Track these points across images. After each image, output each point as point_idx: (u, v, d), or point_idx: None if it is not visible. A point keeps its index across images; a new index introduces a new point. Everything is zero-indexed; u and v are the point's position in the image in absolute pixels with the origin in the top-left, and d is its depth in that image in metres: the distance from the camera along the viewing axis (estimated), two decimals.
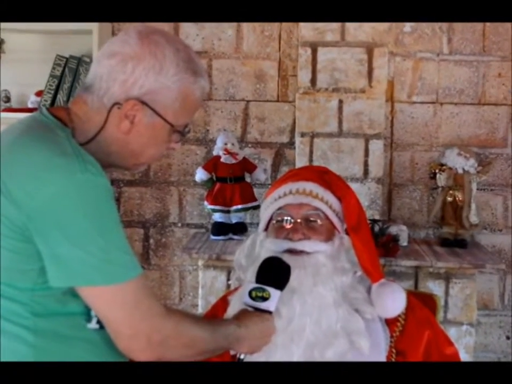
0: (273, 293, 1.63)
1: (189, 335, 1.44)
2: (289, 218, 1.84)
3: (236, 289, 1.93)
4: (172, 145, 1.54)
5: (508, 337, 3.41)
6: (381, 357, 1.78)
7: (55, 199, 1.31)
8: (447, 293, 2.94)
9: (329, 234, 1.85)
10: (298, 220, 1.83)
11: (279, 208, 1.86)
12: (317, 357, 1.71)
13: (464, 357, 2.78)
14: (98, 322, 1.41)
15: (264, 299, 1.63)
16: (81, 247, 1.32)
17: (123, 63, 1.43)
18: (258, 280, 1.66)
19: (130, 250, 1.40)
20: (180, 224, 3.51)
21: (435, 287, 2.93)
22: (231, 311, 1.76)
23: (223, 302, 1.93)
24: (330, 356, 1.71)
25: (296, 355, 1.71)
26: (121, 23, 3.43)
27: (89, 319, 1.42)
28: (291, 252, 1.79)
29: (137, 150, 1.49)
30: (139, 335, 1.37)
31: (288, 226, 1.83)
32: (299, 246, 1.80)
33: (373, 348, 1.75)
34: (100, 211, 1.35)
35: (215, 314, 1.92)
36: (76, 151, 1.38)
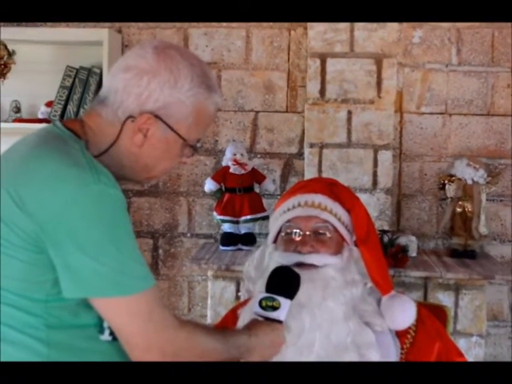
0: (283, 302, 1.64)
1: (201, 346, 1.45)
2: (298, 230, 1.84)
3: (245, 301, 1.93)
4: (184, 159, 1.55)
5: None
6: None
7: (68, 209, 1.32)
8: (456, 304, 2.93)
9: (338, 246, 1.85)
10: (307, 233, 1.83)
11: (288, 221, 1.87)
12: None
13: None
14: (111, 334, 1.42)
15: (274, 308, 1.63)
16: (94, 257, 1.32)
17: (138, 76, 1.44)
18: (268, 289, 1.67)
19: (144, 261, 1.40)
20: (189, 235, 3.51)
21: (444, 298, 2.92)
22: (241, 323, 1.76)
23: (233, 315, 1.93)
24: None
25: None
26: (130, 34, 3.46)
27: (101, 330, 1.42)
28: (300, 265, 1.79)
29: (150, 164, 1.51)
30: (152, 346, 1.37)
31: (297, 238, 1.83)
32: (308, 259, 1.80)
33: (383, 360, 1.75)
34: (113, 222, 1.35)
35: (225, 327, 1.91)
36: (90, 162, 1.38)
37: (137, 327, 1.36)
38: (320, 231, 1.84)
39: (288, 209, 1.88)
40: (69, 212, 1.32)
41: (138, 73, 1.45)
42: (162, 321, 1.39)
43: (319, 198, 1.87)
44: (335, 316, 1.74)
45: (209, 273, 3.04)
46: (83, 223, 1.32)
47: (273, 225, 1.91)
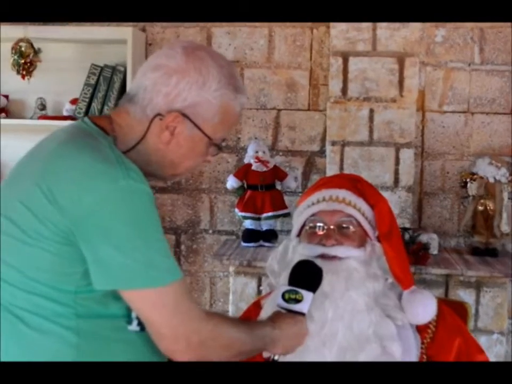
0: (306, 295, 1.66)
1: (227, 337, 1.48)
2: (322, 224, 1.86)
3: (268, 293, 1.95)
4: (208, 157, 1.58)
5: None
6: None
7: (98, 205, 1.35)
8: (477, 301, 2.94)
9: (361, 241, 1.87)
10: (331, 227, 1.85)
11: (312, 215, 1.89)
12: (349, 361, 1.72)
13: None
14: (139, 324, 1.45)
15: (297, 301, 1.66)
16: (124, 251, 1.36)
17: (168, 76, 1.48)
18: (291, 282, 1.69)
19: (171, 255, 1.43)
20: (210, 231, 3.54)
21: (465, 296, 2.93)
22: (264, 314, 1.79)
23: (256, 307, 1.95)
24: (362, 360, 1.72)
25: (329, 359, 1.72)
26: (154, 33, 3.49)
27: (130, 321, 1.46)
28: (323, 257, 1.81)
29: (176, 161, 1.54)
30: (179, 337, 1.40)
31: (321, 232, 1.85)
32: (332, 251, 1.82)
33: (404, 354, 1.77)
34: (142, 216, 1.38)
35: (249, 319, 1.94)
36: (119, 158, 1.42)
37: (164, 317, 1.39)
38: (344, 225, 1.86)
39: (313, 204, 1.90)
40: (100, 208, 1.35)
41: (168, 72, 1.48)
42: (189, 312, 1.42)
43: (343, 193, 1.88)
44: (358, 307, 1.76)
45: (231, 269, 3.07)
46: (114, 218, 1.36)
47: (297, 219, 1.93)
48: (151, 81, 1.49)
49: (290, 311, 1.66)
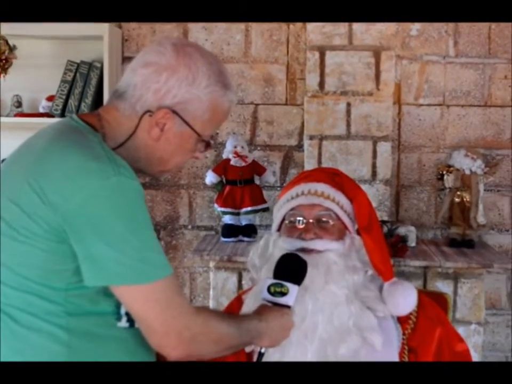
0: (291, 287, 1.67)
1: (217, 331, 1.49)
2: (301, 218, 1.87)
3: (250, 288, 1.97)
4: (197, 154, 1.59)
5: None
6: (394, 353, 1.82)
7: (90, 201, 1.36)
8: (455, 292, 2.97)
9: (340, 234, 1.89)
10: (311, 220, 1.87)
11: (292, 209, 1.90)
12: (330, 353, 1.74)
13: (473, 355, 2.81)
14: (128, 321, 1.46)
15: (283, 294, 1.67)
16: (115, 247, 1.36)
17: (158, 72, 1.48)
18: (276, 275, 1.70)
19: (162, 250, 1.44)
20: (190, 227, 3.55)
21: (443, 287, 2.96)
22: (246, 309, 1.80)
23: (238, 301, 1.96)
24: (343, 352, 1.74)
25: (310, 352, 1.74)
26: (130, 29, 3.48)
27: (119, 317, 1.46)
28: (303, 250, 1.82)
29: (165, 157, 1.55)
30: (170, 332, 1.41)
31: (300, 226, 1.87)
32: (311, 245, 1.84)
33: (385, 345, 1.79)
34: (133, 213, 1.39)
35: (231, 313, 1.95)
36: (109, 155, 1.42)
37: (156, 313, 1.40)
38: (323, 219, 1.87)
39: (292, 198, 1.91)
40: (92, 204, 1.36)
41: (158, 69, 1.49)
42: (180, 307, 1.43)
43: (322, 187, 1.90)
44: (337, 299, 1.78)
45: (211, 264, 3.07)
46: (105, 214, 1.36)
47: (277, 214, 1.95)
48: (141, 78, 1.49)
49: (276, 304, 1.67)
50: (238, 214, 3.26)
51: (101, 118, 1.52)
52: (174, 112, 1.49)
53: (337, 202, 1.89)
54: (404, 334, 1.86)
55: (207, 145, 1.58)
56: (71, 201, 1.36)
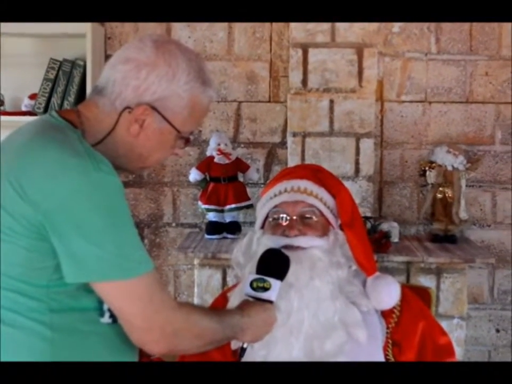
0: (274, 283, 1.69)
1: (199, 326, 1.49)
2: (285, 215, 1.89)
3: (234, 285, 1.98)
4: (177, 150, 1.59)
5: (497, 330, 3.47)
6: (378, 348, 1.84)
7: (70, 198, 1.36)
8: (438, 287, 2.99)
9: (324, 230, 1.90)
10: (294, 217, 1.88)
11: (275, 206, 1.91)
12: (316, 349, 1.76)
13: (455, 350, 2.84)
14: (111, 316, 1.46)
15: (265, 289, 1.68)
16: (96, 243, 1.36)
17: (137, 69, 1.49)
18: (258, 271, 1.72)
19: (143, 246, 1.45)
20: (174, 224, 3.55)
21: (426, 282, 2.98)
22: (231, 306, 1.80)
23: (223, 299, 1.97)
24: (329, 347, 1.76)
25: (296, 348, 1.76)
26: (113, 27, 3.48)
27: (102, 313, 1.47)
28: (287, 247, 1.83)
29: (144, 154, 1.55)
30: (153, 327, 1.42)
31: (284, 223, 1.88)
32: (295, 242, 1.85)
33: (370, 339, 1.81)
34: (114, 208, 1.39)
35: (214, 308, 1.96)
36: (88, 151, 1.42)
37: (137, 308, 1.41)
38: (307, 216, 1.89)
39: (275, 195, 1.92)
40: (72, 201, 1.36)
41: (137, 65, 1.49)
42: (162, 302, 1.43)
43: (304, 184, 1.91)
44: (322, 295, 1.79)
45: (196, 261, 3.08)
46: (85, 211, 1.36)
47: (260, 211, 1.96)
48: (121, 74, 1.49)
49: (259, 299, 1.68)
50: (222, 211, 3.26)
51: (80, 115, 1.52)
52: (154, 108, 1.49)
53: (320, 199, 1.91)
54: (387, 328, 1.88)
55: (187, 142, 1.58)
56: (51, 198, 1.36)
